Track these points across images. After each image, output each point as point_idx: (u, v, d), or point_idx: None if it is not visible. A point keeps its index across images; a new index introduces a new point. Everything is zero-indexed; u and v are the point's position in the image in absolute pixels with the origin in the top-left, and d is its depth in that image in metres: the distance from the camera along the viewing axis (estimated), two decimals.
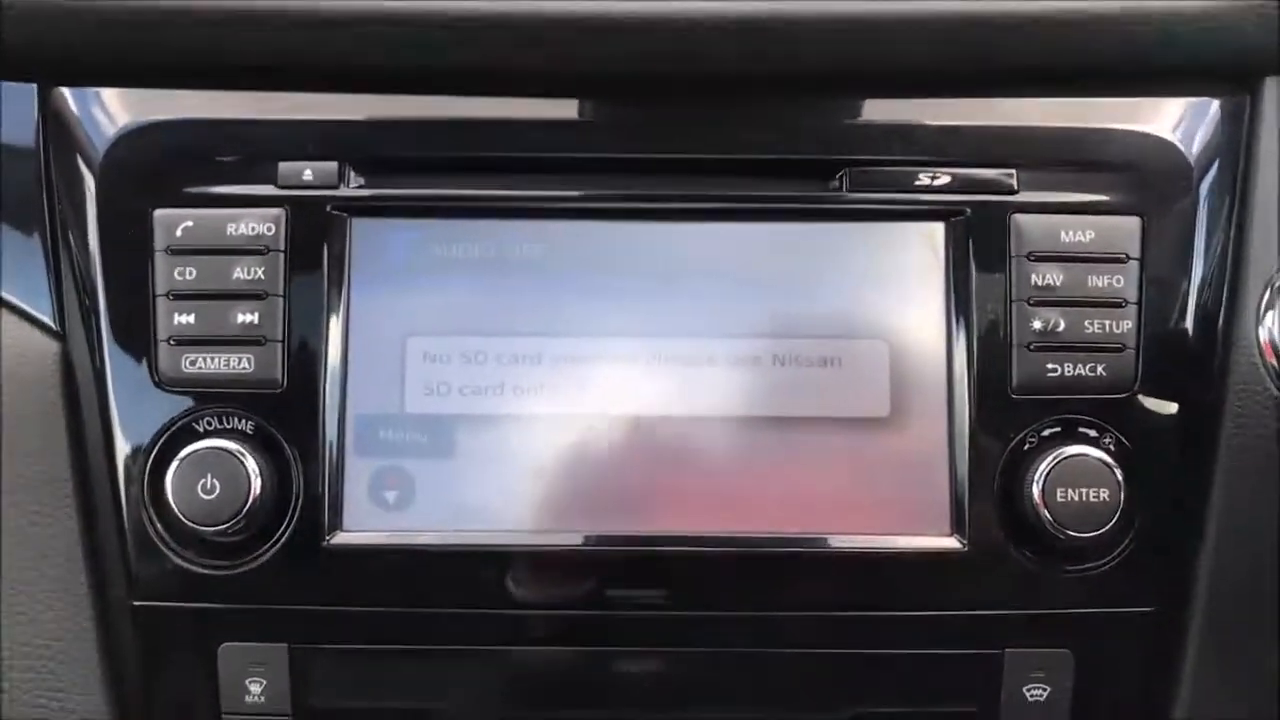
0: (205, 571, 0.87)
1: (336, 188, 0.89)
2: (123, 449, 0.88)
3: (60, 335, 0.91)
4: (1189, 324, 0.91)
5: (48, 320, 0.91)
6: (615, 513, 0.88)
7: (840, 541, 0.88)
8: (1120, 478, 0.86)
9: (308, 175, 0.89)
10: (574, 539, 0.88)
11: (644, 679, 0.89)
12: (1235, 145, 0.93)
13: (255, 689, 0.88)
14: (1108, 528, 0.86)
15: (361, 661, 0.89)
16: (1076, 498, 0.85)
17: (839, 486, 0.89)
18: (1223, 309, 0.92)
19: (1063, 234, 0.90)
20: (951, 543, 0.88)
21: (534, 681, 0.90)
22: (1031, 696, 0.89)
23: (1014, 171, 0.91)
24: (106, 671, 0.89)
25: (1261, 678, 0.91)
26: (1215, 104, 0.93)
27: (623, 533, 0.88)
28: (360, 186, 0.90)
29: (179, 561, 0.87)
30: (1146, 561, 0.89)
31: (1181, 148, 0.92)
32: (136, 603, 0.88)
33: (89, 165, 0.91)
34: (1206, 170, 0.93)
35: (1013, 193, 0.90)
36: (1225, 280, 0.92)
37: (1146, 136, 0.92)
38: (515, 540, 0.88)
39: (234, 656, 0.88)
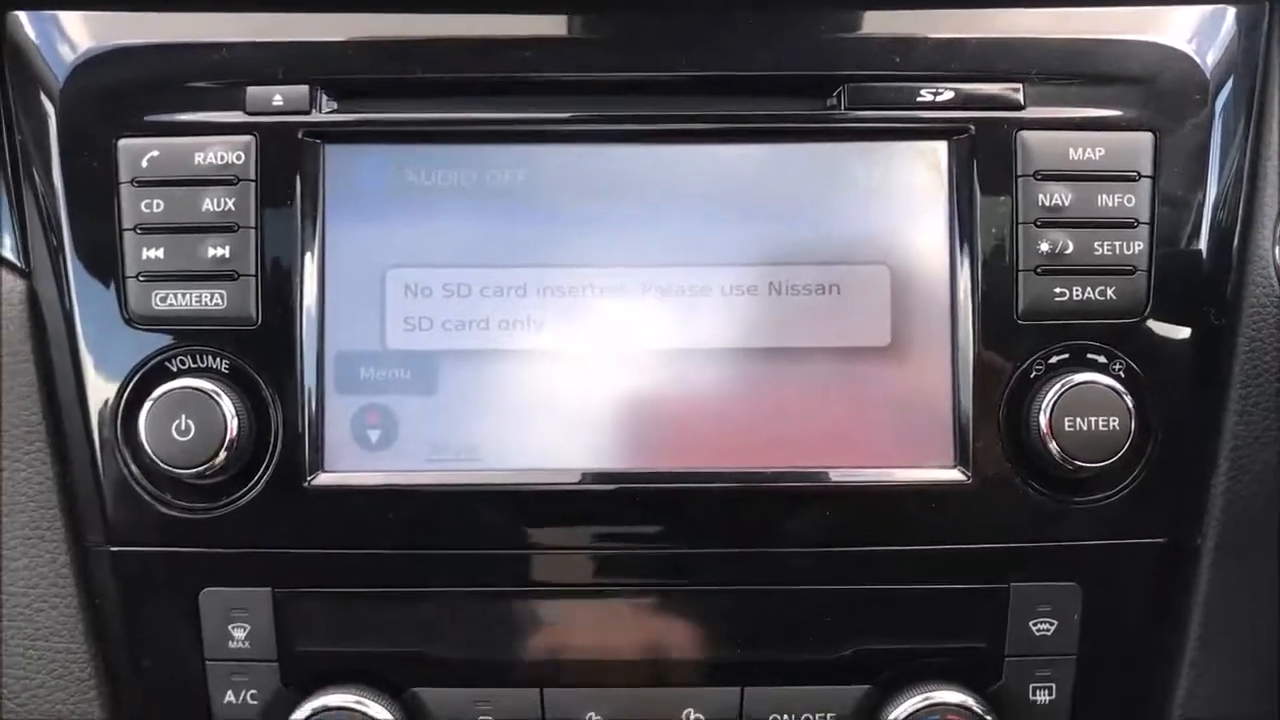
0: (183, 515, 0.85)
1: (308, 113, 0.86)
2: (94, 390, 0.85)
3: (26, 273, 0.88)
4: (1202, 245, 0.88)
5: (12, 257, 0.88)
6: (606, 449, 0.86)
7: (840, 475, 0.85)
8: (1130, 405, 0.83)
9: (278, 100, 0.86)
10: (564, 477, 0.85)
11: (638, 618, 0.87)
12: (1253, 57, 0.90)
13: (239, 634, 0.86)
14: (1117, 457, 0.83)
15: (347, 605, 0.86)
16: (1085, 426, 0.83)
17: (839, 419, 0.86)
18: (1237, 229, 0.89)
19: (1071, 151, 0.86)
20: (955, 475, 0.85)
21: (524, 622, 0.87)
22: (1038, 630, 0.87)
23: (1020, 86, 0.87)
24: (86, 618, 0.87)
25: (1275, 609, 0.88)
26: (1231, 13, 0.89)
27: (614, 469, 0.85)
28: (333, 111, 0.87)
29: (156, 505, 0.85)
30: (1157, 491, 0.86)
31: (1196, 59, 0.89)
32: (114, 548, 0.86)
33: (49, 94, 0.87)
34: (1222, 83, 0.89)
35: (1019, 109, 0.87)
36: (1240, 199, 0.89)
37: (1159, 48, 0.89)
38: (502, 479, 0.85)
39: (216, 602, 0.86)
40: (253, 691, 0.86)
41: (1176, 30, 0.89)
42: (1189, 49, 0.88)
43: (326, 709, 0.84)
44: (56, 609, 0.87)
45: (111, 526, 0.86)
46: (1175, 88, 0.88)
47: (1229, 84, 0.89)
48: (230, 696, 0.86)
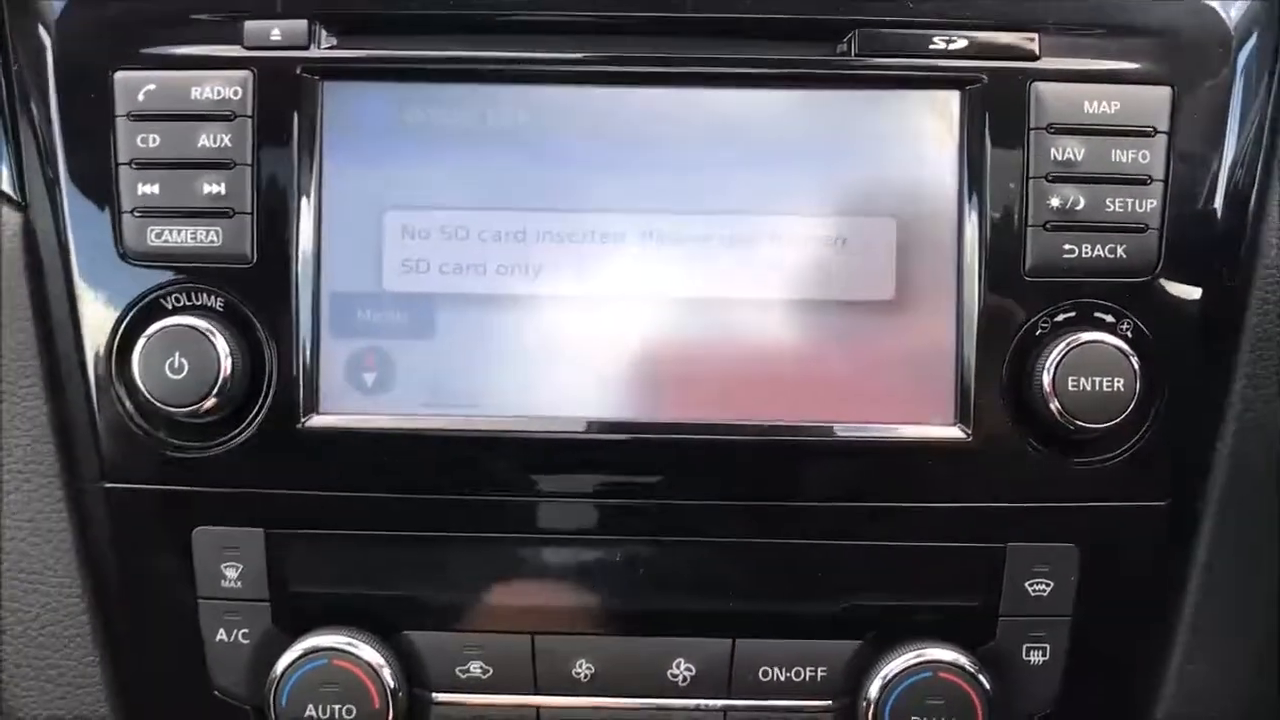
0: (177, 454, 0.85)
1: (306, 48, 0.84)
2: (89, 325, 0.85)
3: (22, 206, 0.87)
4: (1217, 204, 0.86)
5: (9, 190, 0.87)
6: (602, 398, 0.85)
7: (840, 430, 0.85)
8: (1137, 366, 0.82)
9: (275, 35, 0.84)
10: (560, 425, 0.84)
11: (631, 566, 0.87)
12: (1276, 11, 0.87)
13: (231, 573, 0.86)
14: (1121, 419, 0.82)
15: (339, 547, 0.86)
16: (1089, 387, 0.81)
17: (840, 373, 0.85)
18: (1255, 189, 0.87)
19: (1086, 105, 0.84)
20: (955, 432, 0.84)
21: (516, 568, 0.87)
22: (1034, 591, 0.86)
23: (1035, 36, 0.85)
24: (80, 554, 0.87)
25: (1275, 575, 0.87)
26: None
27: (611, 419, 0.85)
28: (332, 47, 0.85)
29: (150, 443, 0.85)
30: (1160, 454, 0.85)
31: (1220, 12, 0.86)
32: (108, 485, 0.86)
33: (45, 25, 0.86)
34: (1246, 38, 0.87)
35: (1034, 59, 0.85)
36: (1259, 158, 0.87)
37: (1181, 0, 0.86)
38: (497, 425, 0.84)
39: (208, 540, 0.86)
40: (244, 630, 0.87)
41: None
42: (1213, 2, 0.86)
43: (317, 649, 0.84)
44: (51, 544, 0.87)
45: (105, 463, 0.86)
46: (1196, 41, 0.86)
47: (1252, 39, 0.87)
48: (223, 635, 0.87)
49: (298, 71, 0.84)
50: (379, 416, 0.84)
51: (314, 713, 0.84)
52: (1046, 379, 0.82)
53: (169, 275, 0.84)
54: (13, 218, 0.87)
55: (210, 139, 0.83)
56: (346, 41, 0.85)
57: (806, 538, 0.86)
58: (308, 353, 0.84)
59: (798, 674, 0.87)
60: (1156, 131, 0.84)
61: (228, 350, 0.81)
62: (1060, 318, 0.84)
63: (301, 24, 0.84)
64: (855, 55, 0.85)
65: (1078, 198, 0.84)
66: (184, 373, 0.81)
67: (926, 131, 0.85)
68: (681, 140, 0.85)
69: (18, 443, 0.86)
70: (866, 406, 0.85)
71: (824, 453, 0.85)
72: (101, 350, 0.84)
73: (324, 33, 0.85)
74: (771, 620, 0.87)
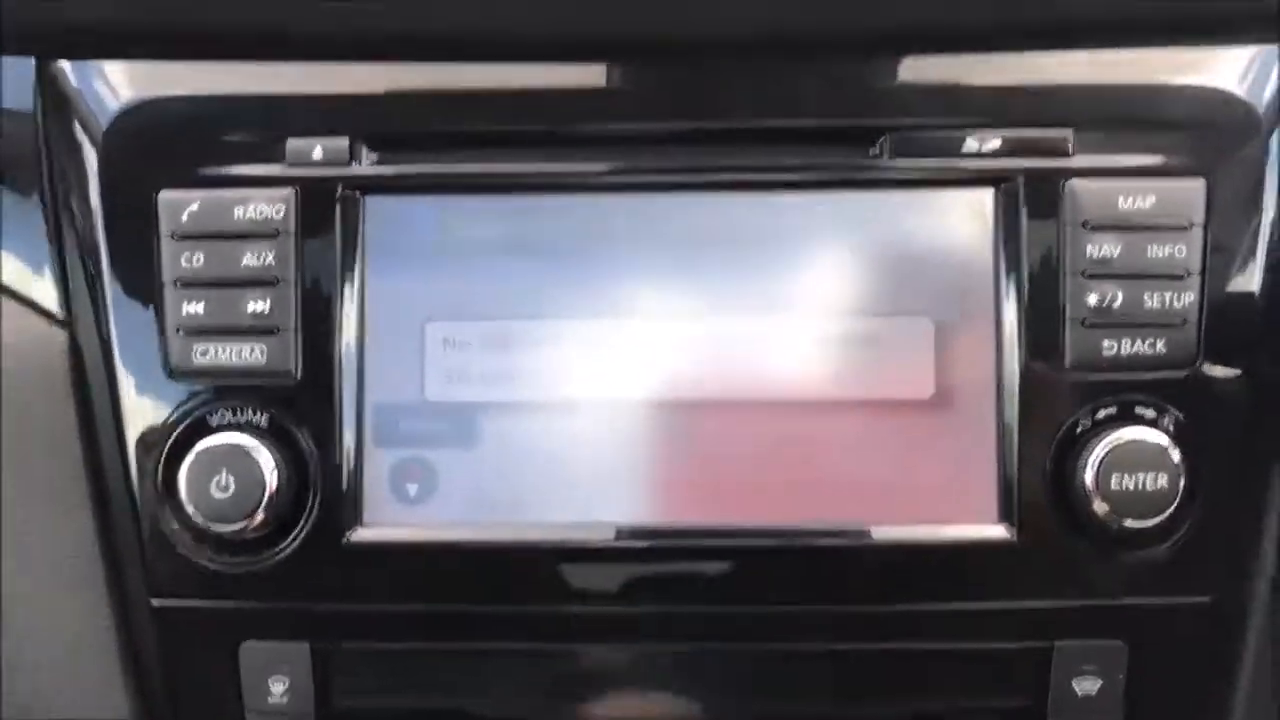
0: (223, 569, 0.85)
1: (348, 165, 0.85)
2: (135, 443, 0.85)
3: (67, 324, 0.88)
4: (1256, 294, 0.85)
5: (53, 308, 0.88)
6: (647, 504, 0.85)
7: (882, 532, 0.84)
8: (1179, 461, 0.81)
9: (318, 153, 0.85)
10: (605, 533, 0.84)
11: (678, 675, 0.86)
12: None
13: (278, 689, 0.86)
14: (1166, 514, 0.82)
15: (387, 661, 0.86)
16: (1133, 484, 0.81)
17: (880, 474, 0.85)
18: None
19: (1121, 200, 0.84)
20: (999, 531, 0.84)
21: (566, 679, 0.87)
22: (1082, 690, 0.85)
23: (1069, 133, 0.85)
24: (128, 670, 0.87)
25: None
26: None
27: (655, 525, 0.84)
28: (373, 164, 0.86)
29: (196, 559, 0.85)
30: (1206, 549, 0.84)
31: (1249, 101, 0.86)
32: (154, 601, 0.86)
33: (90, 144, 0.87)
34: (1277, 124, 0.86)
35: (1067, 156, 0.85)
36: None
37: (1211, 90, 0.86)
38: (542, 535, 0.84)
39: (255, 655, 0.86)
40: None
41: (1229, 72, 0.86)
42: (1242, 91, 0.86)
43: None
44: (100, 660, 0.87)
45: (152, 580, 0.86)
46: (1228, 131, 0.86)
47: None
48: None
49: (340, 189, 0.85)
50: (423, 528, 0.84)
51: None
52: (1089, 477, 0.81)
53: (214, 393, 0.85)
54: (58, 335, 0.88)
55: (254, 257, 0.84)
56: (387, 157, 0.86)
57: (850, 641, 0.85)
58: (351, 464, 0.84)
59: None
60: (1192, 224, 0.84)
61: (273, 466, 0.82)
62: (1101, 414, 0.83)
63: (343, 141, 0.85)
64: (888, 158, 0.85)
65: (1115, 294, 0.84)
66: (230, 491, 0.81)
67: (961, 230, 0.85)
68: (717, 245, 0.86)
69: (67, 558, 0.87)
70: (909, 507, 0.84)
71: (868, 554, 0.84)
72: (148, 468, 0.85)
73: (365, 150, 0.85)
74: None
